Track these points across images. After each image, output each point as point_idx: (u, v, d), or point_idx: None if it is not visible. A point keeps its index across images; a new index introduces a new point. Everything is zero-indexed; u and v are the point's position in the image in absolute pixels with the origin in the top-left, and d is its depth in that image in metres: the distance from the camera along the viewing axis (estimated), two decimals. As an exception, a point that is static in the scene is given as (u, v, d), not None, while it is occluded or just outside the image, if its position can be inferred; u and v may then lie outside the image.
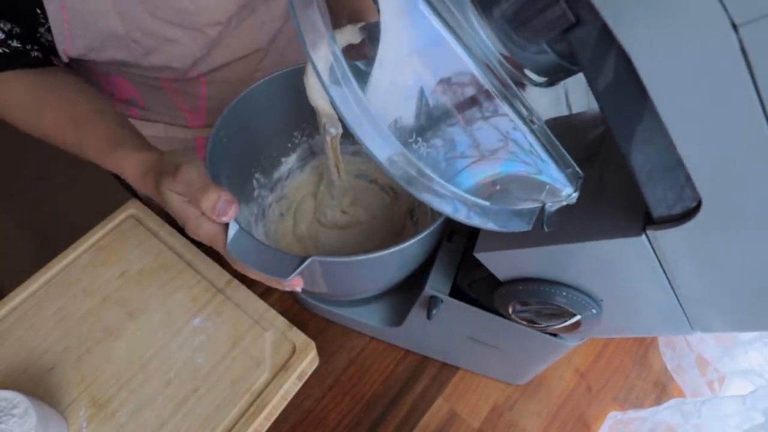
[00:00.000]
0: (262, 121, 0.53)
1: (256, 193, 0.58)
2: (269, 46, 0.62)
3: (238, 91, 0.48)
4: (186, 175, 0.38)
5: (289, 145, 0.59)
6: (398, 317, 0.58)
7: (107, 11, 0.46)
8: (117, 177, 0.74)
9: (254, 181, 0.57)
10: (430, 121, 0.26)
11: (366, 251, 0.38)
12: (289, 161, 0.61)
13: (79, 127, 0.49)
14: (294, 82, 0.46)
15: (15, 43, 0.47)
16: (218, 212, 0.37)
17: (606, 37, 0.20)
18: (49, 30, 0.46)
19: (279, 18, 0.60)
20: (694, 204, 0.25)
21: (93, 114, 0.49)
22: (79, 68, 0.59)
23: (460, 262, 0.49)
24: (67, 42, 0.47)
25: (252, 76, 0.63)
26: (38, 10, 0.44)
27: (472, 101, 0.25)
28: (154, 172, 0.42)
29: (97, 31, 0.47)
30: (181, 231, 0.59)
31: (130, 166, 0.45)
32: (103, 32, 0.48)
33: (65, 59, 0.50)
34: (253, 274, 0.41)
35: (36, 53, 0.50)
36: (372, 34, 0.25)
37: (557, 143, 0.27)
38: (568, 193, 0.28)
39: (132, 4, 0.47)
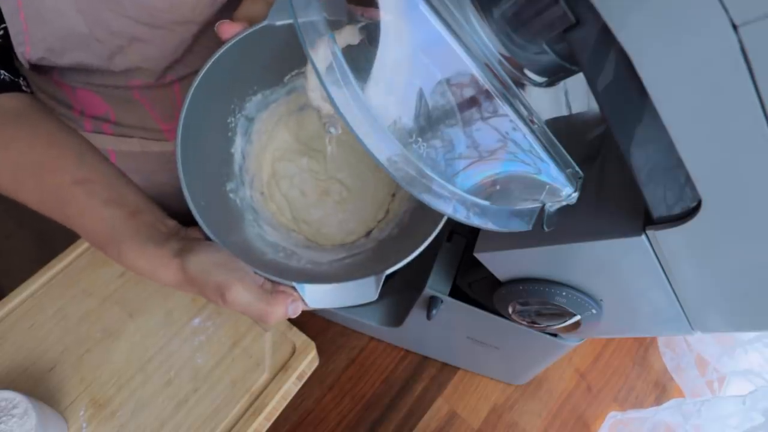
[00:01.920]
0: (202, 129, 0.47)
1: (238, 203, 0.50)
2: None
3: None
4: (238, 300, 0.37)
5: (229, 133, 0.51)
6: (398, 317, 0.58)
7: (67, 8, 0.43)
8: None
9: (229, 192, 0.50)
10: (429, 122, 0.26)
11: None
12: (237, 145, 0.52)
13: (58, 203, 0.42)
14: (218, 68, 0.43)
15: None
16: (291, 314, 0.37)
17: (606, 37, 0.20)
18: (4, 34, 0.42)
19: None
20: (694, 204, 0.25)
21: (74, 187, 0.42)
22: (47, 85, 0.55)
23: (460, 262, 0.49)
24: (26, 44, 0.43)
25: None
26: None
27: (472, 101, 0.25)
28: (185, 286, 0.39)
29: (58, 30, 0.44)
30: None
31: (141, 273, 0.40)
32: (64, 31, 0.44)
33: (26, 65, 0.47)
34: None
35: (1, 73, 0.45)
36: (372, 34, 0.25)
37: (557, 143, 0.27)
38: (568, 193, 0.28)
39: (93, 0, 0.43)
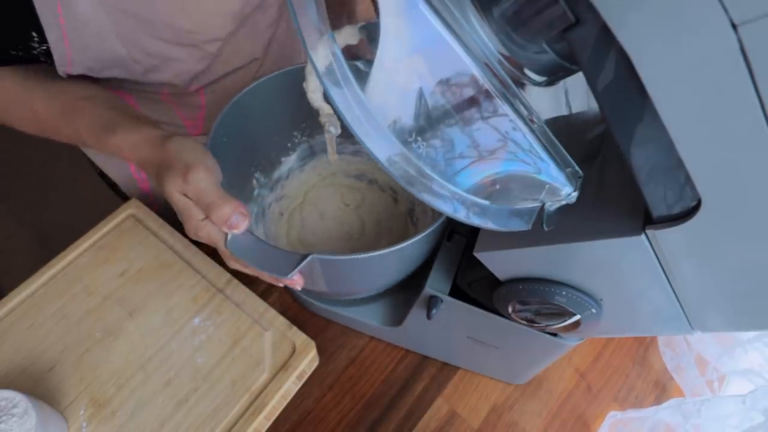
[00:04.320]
0: (262, 121, 0.53)
1: (255, 192, 0.58)
2: (264, 55, 0.62)
3: None
4: (198, 182, 0.38)
5: (289, 144, 0.59)
6: (398, 317, 0.58)
7: (108, 34, 0.46)
8: (112, 186, 0.74)
9: (254, 180, 0.57)
10: (429, 121, 0.26)
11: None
12: (289, 161, 0.61)
13: (71, 115, 0.48)
14: (294, 80, 0.46)
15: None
16: (230, 225, 0.37)
17: (605, 36, 0.20)
18: (44, 51, 0.45)
19: (271, 26, 0.61)
20: (694, 204, 0.25)
21: (82, 101, 0.49)
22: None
23: (459, 262, 0.49)
24: (67, 64, 0.46)
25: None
26: (34, 34, 0.43)
27: (472, 101, 0.25)
28: (157, 164, 0.41)
29: (99, 53, 0.47)
30: (181, 230, 0.59)
31: (128, 151, 0.44)
32: (105, 55, 0.47)
33: (63, 76, 0.50)
34: (251, 271, 0.41)
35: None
36: (371, 34, 0.25)
37: (557, 143, 0.27)
38: (567, 192, 0.28)
39: (131, 27, 0.46)
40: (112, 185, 0.73)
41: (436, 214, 0.42)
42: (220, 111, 0.46)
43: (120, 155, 0.45)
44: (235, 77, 0.61)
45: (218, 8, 0.50)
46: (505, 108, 0.25)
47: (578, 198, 0.29)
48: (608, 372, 0.64)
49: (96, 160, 0.70)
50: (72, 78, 0.49)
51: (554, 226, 0.29)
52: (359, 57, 0.27)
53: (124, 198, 0.74)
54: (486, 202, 0.28)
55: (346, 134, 0.35)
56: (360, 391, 0.60)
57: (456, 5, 0.25)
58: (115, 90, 0.59)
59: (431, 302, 0.48)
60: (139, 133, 0.44)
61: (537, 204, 0.29)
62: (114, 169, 0.70)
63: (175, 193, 0.39)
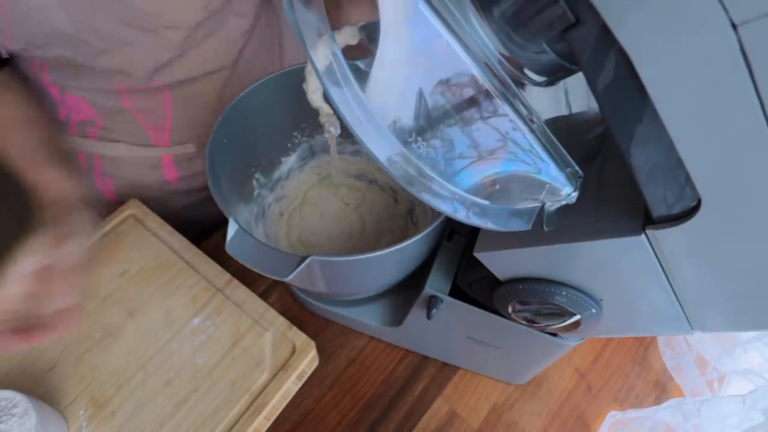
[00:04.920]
0: (262, 121, 0.52)
1: (256, 192, 0.58)
2: (234, 65, 0.61)
3: (203, 111, 0.47)
4: (70, 252, 0.39)
5: (289, 144, 0.59)
6: (398, 317, 0.58)
7: (55, 10, 0.43)
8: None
9: (254, 180, 0.57)
10: (429, 121, 0.26)
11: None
12: (289, 161, 0.61)
13: (4, 133, 0.48)
14: (294, 81, 0.46)
15: None
16: (68, 300, 0.39)
17: (605, 36, 0.20)
18: None
19: (243, 35, 0.59)
20: (694, 204, 0.25)
21: (19, 122, 0.48)
22: (33, 86, 0.56)
23: (459, 262, 0.49)
24: (6, 35, 0.44)
25: (218, 96, 0.62)
26: None
27: (472, 101, 0.25)
28: (77, 202, 0.43)
29: (42, 27, 0.44)
30: (181, 230, 0.59)
31: (42, 186, 0.45)
32: (48, 29, 0.45)
33: (4, 54, 0.48)
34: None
35: None
36: (371, 34, 0.25)
37: (557, 143, 0.27)
38: (567, 192, 0.28)
39: (82, 2, 0.44)
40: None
41: (436, 213, 0.42)
42: (221, 112, 0.46)
43: (36, 186, 0.46)
44: (203, 83, 0.59)
45: None
46: (505, 108, 0.25)
47: (578, 198, 0.29)
48: (608, 372, 0.64)
49: None
50: (19, 95, 0.49)
51: (554, 226, 0.29)
52: (359, 58, 0.27)
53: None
54: (486, 202, 0.28)
55: (346, 134, 0.35)
56: (360, 391, 0.60)
57: (456, 5, 0.25)
58: (73, 96, 0.57)
59: (431, 302, 0.48)
60: (61, 168, 0.45)
61: (537, 204, 0.29)
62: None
63: (33, 246, 0.40)
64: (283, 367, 0.50)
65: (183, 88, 0.58)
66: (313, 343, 0.52)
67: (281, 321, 0.53)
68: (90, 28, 0.46)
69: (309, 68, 0.36)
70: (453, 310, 0.49)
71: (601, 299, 0.36)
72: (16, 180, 0.49)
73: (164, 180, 0.68)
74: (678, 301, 0.32)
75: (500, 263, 0.39)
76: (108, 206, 0.69)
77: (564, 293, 0.36)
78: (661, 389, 0.63)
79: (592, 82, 0.23)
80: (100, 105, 0.58)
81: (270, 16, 0.65)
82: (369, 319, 0.59)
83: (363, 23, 0.31)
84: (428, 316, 0.48)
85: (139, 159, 0.65)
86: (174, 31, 0.50)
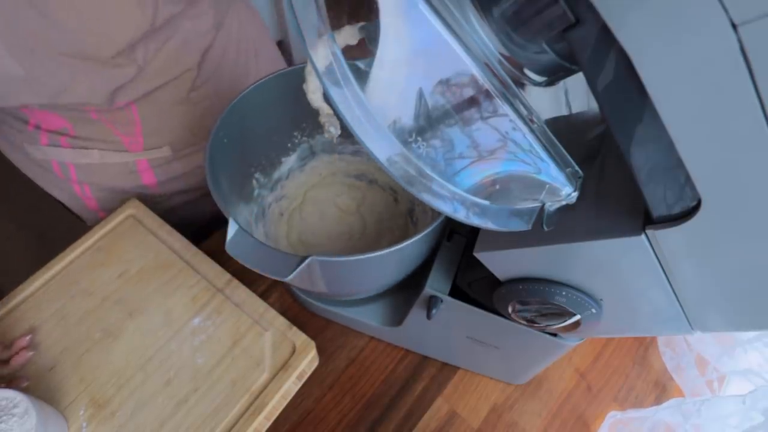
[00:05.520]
0: (262, 121, 0.52)
1: (256, 192, 0.58)
2: (199, 65, 0.60)
3: (173, 114, 0.47)
4: None
5: (289, 144, 0.59)
6: (398, 317, 0.58)
7: (1, 54, 0.43)
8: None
9: (254, 180, 0.57)
10: (429, 121, 0.26)
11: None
12: (289, 161, 0.61)
13: None
14: (294, 82, 0.46)
15: None
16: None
17: (605, 37, 0.20)
18: None
19: (205, 35, 0.58)
20: (694, 204, 0.25)
21: None
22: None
23: (459, 262, 0.49)
24: None
25: (187, 96, 0.61)
26: None
27: (472, 101, 0.25)
28: None
29: None
30: (181, 230, 0.59)
31: None
32: (4, 76, 0.44)
33: None
34: None
35: None
36: (371, 34, 0.25)
37: (557, 143, 0.27)
38: (567, 192, 0.28)
39: (25, 41, 0.43)
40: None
41: (436, 213, 0.42)
42: (221, 112, 0.46)
43: None
44: (169, 88, 0.58)
45: (122, 20, 0.47)
46: (505, 108, 0.25)
47: (578, 198, 0.29)
48: (608, 372, 0.64)
49: (40, 183, 0.68)
50: None
51: (554, 227, 0.29)
52: (359, 58, 0.27)
53: (78, 217, 0.73)
54: (486, 202, 0.28)
55: (346, 134, 0.35)
56: (360, 391, 0.60)
57: (456, 5, 0.25)
58: (42, 111, 0.56)
59: (431, 302, 0.48)
60: None
61: (537, 204, 0.29)
62: (58, 191, 0.68)
63: None
64: (283, 367, 0.50)
65: (148, 98, 0.58)
66: (313, 343, 0.52)
67: (281, 321, 0.53)
68: (39, 66, 0.46)
69: (309, 68, 0.36)
70: (453, 310, 0.49)
71: (601, 299, 0.36)
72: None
73: (142, 184, 0.68)
74: (678, 301, 0.32)
75: (500, 263, 0.39)
76: (90, 213, 0.69)
77: (564, 293, 0.36)
78: (661, 389, 0.63)
79: (592, 82, 0.23)
80: (70, 116, 0.58)
81: (241, 13, 0.65)
82: (369, 319, 0.59)
83: (363, 23, 0.31)
84: (428, 316, 0.48)
85: (115, 165, 0.65)
86: (120, 56, 0.49)
